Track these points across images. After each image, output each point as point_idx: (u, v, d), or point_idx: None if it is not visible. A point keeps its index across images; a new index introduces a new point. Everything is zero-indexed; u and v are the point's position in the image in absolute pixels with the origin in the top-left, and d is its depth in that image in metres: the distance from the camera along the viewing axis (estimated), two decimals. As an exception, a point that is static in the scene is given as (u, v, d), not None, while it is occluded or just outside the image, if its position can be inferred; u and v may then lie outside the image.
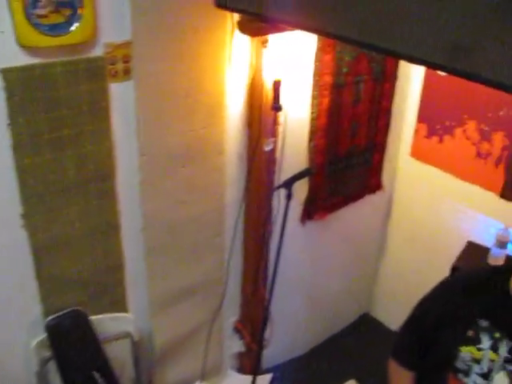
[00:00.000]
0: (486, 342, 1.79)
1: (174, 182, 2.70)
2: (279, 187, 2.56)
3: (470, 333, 1.82)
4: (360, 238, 4.05)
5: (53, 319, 2.51)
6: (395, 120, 3.70)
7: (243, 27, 2.42)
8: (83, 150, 2.36)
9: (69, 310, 2.55)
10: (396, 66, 3.46)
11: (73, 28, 2.05)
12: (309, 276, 3.74)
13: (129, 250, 2.72)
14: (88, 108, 2.30)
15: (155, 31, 2.34)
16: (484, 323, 1.81)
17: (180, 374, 3.23)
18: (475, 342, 1.81)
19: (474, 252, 3.33)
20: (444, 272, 2.82)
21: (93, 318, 2.63)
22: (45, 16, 1.97)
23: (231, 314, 3.44)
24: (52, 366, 2.54)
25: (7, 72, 2.04)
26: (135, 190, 2.60)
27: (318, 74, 2.92)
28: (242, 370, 3.60)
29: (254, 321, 3.31)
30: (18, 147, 2.17)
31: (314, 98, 2.97)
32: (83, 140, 2.34)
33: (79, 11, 2.04)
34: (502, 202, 3.33)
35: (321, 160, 3.21)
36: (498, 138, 3.29)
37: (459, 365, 1.83)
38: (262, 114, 2.69)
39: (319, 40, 2.84)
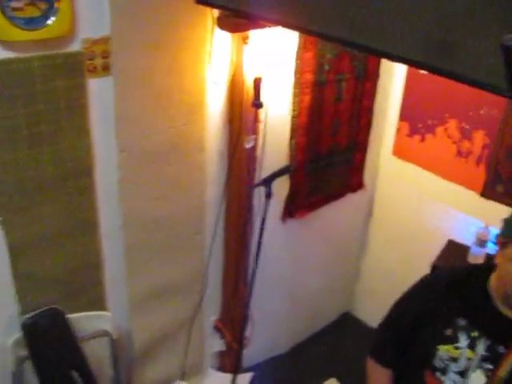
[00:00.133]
0: (463, 341, 1.79)
1: (153, 179, 2.68)
2: (258, 185, 2.54)
3: (449, 332, 1.82)
4: (341, 236, 4.05)
5: (29, 318, 2.48)
6: (377, 118, 3.70)
7: (222, 23, 2.40)
8: (61, 146, 2.33)
9: (46, 308, 2.51)
10: (378, 65, 3.46)
11: (49, 22, 2.02)
12: (290, 274, 3.73)
13: (108, 248, 2.69)
14: (66, 104, 2.27)
15: (135, 27, 2.31)
16: (462, 322, 1.81)
17: (160, 372, 3.20)
18: (453, 340, 1.81)
19: (454, 251, 3.34)
20: (425, 271, 2.82)
21: (71, 316, 2.60)
22: (20, 9, 1.93)
23: (212, 313, 3.42)
24: (28, 366, 2.50)
25: (-18, 66, 2.01)
26: (114, 187, 2.57)
27: (299, 72, 2.91)
28: (222, 368, 3.58)
29: (235, 319, 3.30)
30: (-6, 143, 2.14)
31: (295, 95, 2.96)
32: (61, 136, 2.31)
33: (56, 5, 2.01)
34: (483, 200, 3.34)
35: (302, 158, 3.20)
36: (479, 137, 3.30)
37: (437, 363, 1.83)
38: (242, 111, 2.68)
39: (301, 37, 2.83)
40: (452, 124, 3.41)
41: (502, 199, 3.18)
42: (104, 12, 2.21)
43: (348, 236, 4.14)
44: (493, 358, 1.74)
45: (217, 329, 3.46)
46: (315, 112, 3.12)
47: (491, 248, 3.09)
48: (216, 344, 3.50)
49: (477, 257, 3.12)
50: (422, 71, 1.47)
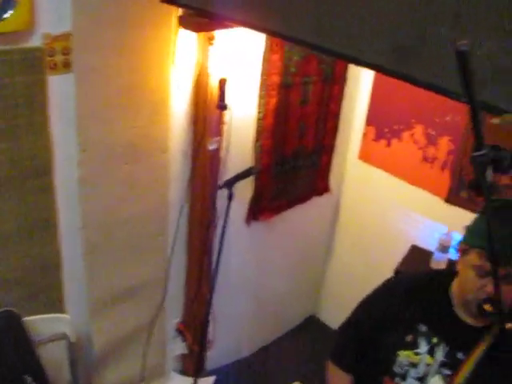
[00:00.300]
0: (423, 347, 1.79)
1: (115, 179, 2.63)
2: (220, 187, 2.52)
3: (409, 337, 1.82)
4: (307, 240, 4.04)
5: (-18, 320, 2.41)
6: (344, 122, 3.71)
7: (185, 22, 2.36)
8: (19, 144, 2.26)
9: (1, 310, 2.45)
10: (345, 69, 3.47)
11: (6, 15, 1.95)
12: (254, 277, 3.71)
13: (67, 249, 2.63)
14: (24, 100, 2.20)
15: (97, 24, 2.27)
16: (423, 328, 1.81)
17: (120, 376, 3.14)
18: (413, 346, 1.81)
19: (417, 256, 3.36)
20: (390, 275, 2.82)
21: (27, 319, 2.52)
22: (-25, 1, 1.88)
23: (174, 315, 3.38)
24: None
25: None
26: (74, 186, 2.51)
27: (265, 74, 2.89)
28: (185, 371, 3.55)
29: (197, 322, 3.26)
30: None
31: (261, 97, 2.95)
32: (19, 134, 2.25)
33: (14, -2, 1.95)
34: (447, 206, 3.37)
35: (267, 160, 3.18)
36: (444, 143, 3.33)
37: (396, 369, 1.83)
38: (206, 112, 2.65)
39: (267, 39, 2.81)
40: (418, 130, 3.44)
41: (466, 205, 3.21)
42: (65, 7, 2.15)
43: (314, 239, 4.13)
44: (451, 365, 1.74)
45: (179, 331, 3.43)
46: (281, 114, 3.11)
47: (453, 254, 3.11)
48: (178, 347, 3.46)
49: (439, 262, 3.14)
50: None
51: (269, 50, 2.84)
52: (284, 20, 1.66)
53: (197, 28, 2.30)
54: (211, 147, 2.74)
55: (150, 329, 3.13)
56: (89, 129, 2.43)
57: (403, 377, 1.82)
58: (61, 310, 2.73)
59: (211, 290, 2.69)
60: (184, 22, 2.37)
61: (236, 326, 3.77)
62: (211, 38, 2.53)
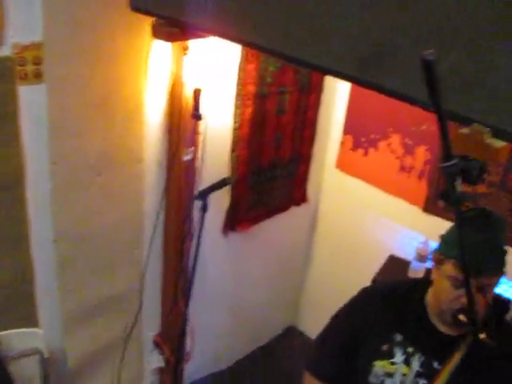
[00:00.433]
0: (399, 357, 1.78)
1: (88, 191, 2.59)
2: (194, 198, 2.50)
3: (385, 347, 1.81)
4: (285, 250, 4.03)
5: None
6: (321, 132, 3.71)
7: (157, 32, 2.33)
8: (-12, 155, 2.23)
9: (-29, 325, 2.40)
10: (322, 78, 3.47)
11: (-26, 25, 1.93)
12: (232, 288, 3.68)
13: (39, 263, 2.57)
14: (-6, 111, 2.17)
15: (69, 33, 2.23)
16: (398, 337, 1.80)
17: (95, 391, 3.10)
18: (389, 356, 1.80)
19: (395, 265, 3.36)
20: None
21: (-2, 333, 2.49)
22: None
23: (151, 328, 3.33)
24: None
25: None
26: (46, 199, 2.46)
27: (240, 84, 2.88)
28: (162, 385, 3.51)
29: (174, 334, 3.22)
30: None
31: (236, 107, 2.93)
32: (-12, 145, 2.21)
33: (-19, 7, 1.92)
34: (425, 215, 3.37)
35: (243, 171, 3.17)
36: (421, 152, 3.34)
37: (372, 379, 1.82)
38: (181, 122, 2.62)
39: (243, 49, 2.80)
40: (395, 139, 3.45)
41: (443, 214, 3.21)
42: (36, 17, 2.11)
43: (292, 249, 4.12)
44: (427, 374, 1.73)
45: (156, 344, 3.38)
46: (257, 124, 3.10)
47: (431, 263, 3.11)
48: (155, 360, 3.41)
49: (417, 271, 3.13)
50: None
51: (244, 60, 2.83)
52: (254, 29, 1.65)
53: (169, 37, 2.27)
54: (186, 158, 2.71)
55: (125, 342, 3.08)
56: (61, 140, 2.39)
57: (379, 387, 1.81)
58: (33, 325, 2.67)
59: (187, 301, 2.66)
60: (156, 32, 2.35)
61: (214, 337, 3.73)
62: (186, 48, 2.51)
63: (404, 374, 1.77)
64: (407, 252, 3.39)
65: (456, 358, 1.68)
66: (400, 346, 1.79)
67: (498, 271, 1.65)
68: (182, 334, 2.81)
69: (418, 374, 1.74)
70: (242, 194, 3.26)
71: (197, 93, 2.59)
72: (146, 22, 2.42)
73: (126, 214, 2.78)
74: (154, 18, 2.30)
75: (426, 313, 1.82)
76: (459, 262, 1.57)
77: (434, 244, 3.03)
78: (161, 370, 3.47)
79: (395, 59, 1.18)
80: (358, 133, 3.64)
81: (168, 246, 3.03)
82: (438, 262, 1.74)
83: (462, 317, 1.63)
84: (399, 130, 3.41)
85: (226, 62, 2.80)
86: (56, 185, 2.45)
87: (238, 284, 3.71)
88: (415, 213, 3.43)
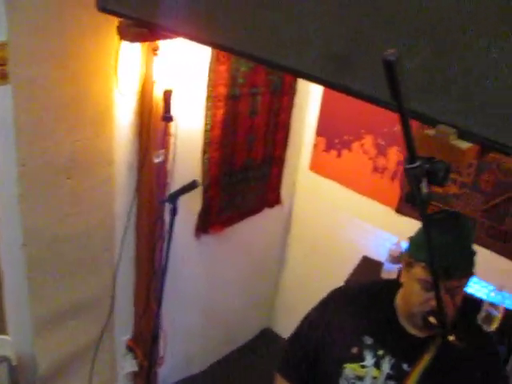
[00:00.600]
0: (369, 360, 1.77)
1: (58, 194, 2.54)
2: (163, 201, 2.47)
3: (355, 350, 1.80)
4: (259, 252, 4.01)
5: None
6: (294, 133, 3.70)
7: (123, 32, 2.28)
8: (-47, 158, 2.18)
9: None
10: (295, 79, 3.46)
11: None
12: (205, 291, 3.66)
13: (8, 267, 2.52)
14: (-42, 113, 2.12)
15: (35, 33, 2.19)
16: (369, 340, 1.80)
17: (67, 397, 3.05)
18: (359, 359, 1.79)
19: (368, 266, 3.35)
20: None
21: (-36, 341, 2.43)
22: None
23: (124, 332, 3.29)
24: None
25: None
26: (15, 202, 2.42)
27: (211, 85, 2.85)
28: (135, 390, 3.47)
29: (147, 338, 3.19)
30: None
31: (207, 109, 2.90)
32: (-47, 148, 2.16)
33: None
34: (398, 216, 3.38)
35: (215, 173, 3.14)
36: (394, 153, 3.35)
37: (342, 382, 1.81)
38: (151, 124, 2.59)
39: (214, 50, 2.77)
40: (368, 140, 3.45)
41: (416, 215, 3.20)
42: (0, 16, 2.08)
43: (266, 251, 4.11)
44: (397, 377, 1.73)
45: (129, 349, 3.35)
46: (229, 126, 3.07)
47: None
48: (129, 364, 3.37)
49: (390, 273, 3.13)
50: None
51: (215, 61, 2.81)
52: (222, 31, 1.64)
53: (135, 38, 2.22)
54: (157, 160, 2.68)
55: (97, 347, 3.04)
56: (29, 142, 2.34)
57: (349, 390, 1.80)
58: (2, 332, 2.62)
59: (159, 304, 2.63)
60: (122, 32, 2.29)
61: (188, 340, 3.70)
62: (156, 49, 2.48)
63: (374, 377, 1.76)
64: (380, 253, 3.38)
65: (425, 360, 1.68)
66: (370, 349, 1.78)
67: (468, 273, 1.66)
68: (155, 338, 2.78)
69: (389, 377, 1.74)
70: (215, 196, 3.23)
71: (167, 94, 2.56)
72: (115, 23, 2.38)
73: (96, 216, 2.74)
74: (120, 19, 2.26)
75: (396, 315, 1.81)
76: (428, 265, 1.56)
77: (407, 245, 3.06)
78: (134, 375, 3.43)
79: (362, 60, 1.17)
80: (331, 134, 3.64)
81: (140, 249, 3.00)
82: (408, 265, 1.74)
83: (432, 319, 1.63)
84: (372, 130, 3.42)
85: (198, 62, 2.78)
86: (25, 187, 2.40)
87: (211, 286, 3.68)
88: (388, 214, 3.44)
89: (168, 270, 2.66)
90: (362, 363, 1.78)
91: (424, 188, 1.01)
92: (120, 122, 2.65)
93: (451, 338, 1.51)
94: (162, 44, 2.48)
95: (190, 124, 2.89)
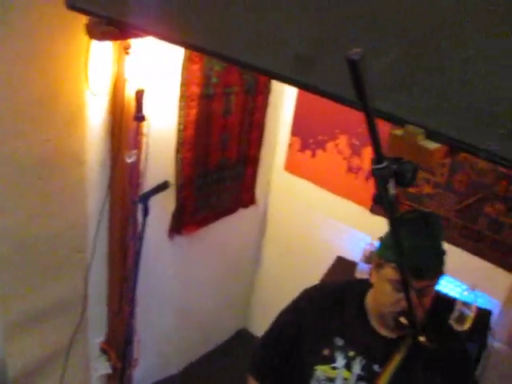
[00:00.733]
0: (340, 361, 1.77)
1: (28, 195, 2.50)
2: (135, 202, 2.45)
3: (326, 351, 1.80)
4: (234, 252, 4.00)
5: None
6: (268, 133, 3.69)
7: (91, 31, 2.23)
8: None
9: None
10: (269, 79, 3.44)
11: None
12: (179, 292, 3.63)
13: (-23, 269, 2.49)
14: None
15: (1, 31, 2.15)
16: (340, 342, 1.80)
17: (40, 401, 3.01)
18: (330, 361, 1.79)
19: (343, 266, 3.36)
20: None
21: None
22: None
23: (98, 335, 3.26)
24: None
25: None
26: (-17, 204, 2.38)
27: (184, 84, 2.83)
28: (109, 392, 3.43)
29: (121, 340, 3.16)
30: None
31: (180, 108, 2.87)
32: None
33: None
34: (372, 216, 3.38)
35: (189, 173, 3.12)
36: (368, 153, 3.36)
37: (314, 383, 1.80)
38: (123, 123, 2.56)
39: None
40: (342, 140, 3.45)
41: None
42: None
43: (241, 252, 4.09)
44: (368, 378, 1.73)
45: (103, 351, 3.31)
46: (203, 126, 3.05)
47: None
48: (102, 367, 3.34)
49: (364, 273, 3.13)
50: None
51: (188, 60, 2.78)
52: (192, 31, 1.62)
53: (103, 37, 2.18)
54: (129, 160, 2.65)
55: (70, 349, 3.00)
56: (-3, 142, 2.31)
57: (321, 392, 1.79)
58: (-30, 335, 2.58)
59: (132, 305, 2.60)
60: (90, 31, 2.24)
61: (163, 342, 3.68)
62: (127, 47, 2.45)
63: (345, 379, 1.76)
64: (355, 253, 3.39)
65: (396, 361, 1.68)
66: (341, 350, 1.78)
67: (438, 272, 1.66)
68: (128, 339, 2.75)
69: (359, 378, 1.74)
70: (188, 196, 3.21)
71: (139, 94, 2.53)
72: (84, 21, 2.35)
73: (68, 217, 2.71)
74: (88, 17, 2.22)
75: (367, 316, 1.81)
76: (398, 265, 1.56)
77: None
78: (108, 377, 3.39)
79: (328, 60, 1.16)
80: (306, 134, 3.64)
81: (112, 250, 2.97)
82: (378, 266, 1.74)
83: (403, 319, 1.63)
84: (346, 130, 3.42)
85: (170, 61, 2.75)
86: (-8, 189, 2.37)
87: (185, 287, 3.66)
88: (363, 214, 3.45)
89: (141, 270, 2.63)
90: (333, 365, 1.78)
91: (391, 189, 1.01)
92: (92, 121, 2.61)
93: (422, 338, 1.51)
94: (133, 43, 2.45)
95: (163, 124, 2.86)
